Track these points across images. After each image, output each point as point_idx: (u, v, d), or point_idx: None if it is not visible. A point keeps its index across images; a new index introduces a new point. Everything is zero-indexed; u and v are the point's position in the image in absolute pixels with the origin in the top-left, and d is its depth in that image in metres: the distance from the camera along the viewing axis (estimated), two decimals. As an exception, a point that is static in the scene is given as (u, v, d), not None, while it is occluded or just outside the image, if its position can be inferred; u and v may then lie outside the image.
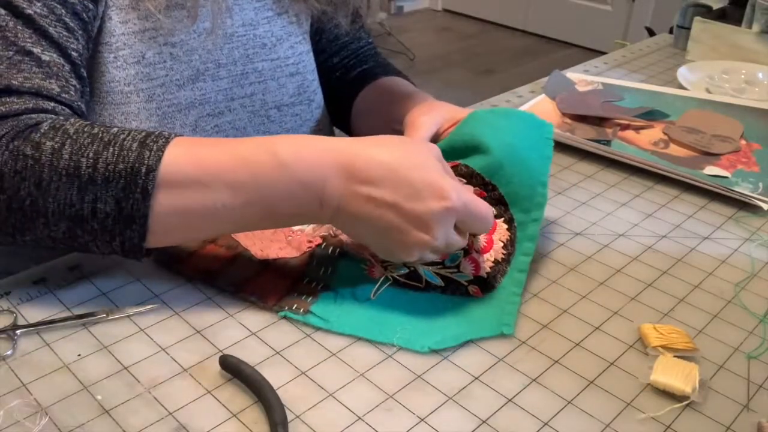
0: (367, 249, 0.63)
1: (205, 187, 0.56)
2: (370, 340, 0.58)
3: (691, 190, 0.84)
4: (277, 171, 0.56)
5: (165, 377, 0.53)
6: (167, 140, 0.56)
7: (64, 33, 0.62)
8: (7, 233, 0.56)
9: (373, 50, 0.98)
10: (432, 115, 0.76)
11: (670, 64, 1.25)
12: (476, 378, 0.55)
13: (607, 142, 0.91)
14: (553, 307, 0.63)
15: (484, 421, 0.51)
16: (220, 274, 0.63)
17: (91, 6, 0.65)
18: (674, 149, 0.91)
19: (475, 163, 0.68)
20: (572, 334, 0.60)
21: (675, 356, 0.57)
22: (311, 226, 0.68)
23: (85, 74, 0.65)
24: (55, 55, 0.62)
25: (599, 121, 0.97)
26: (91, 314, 0.59)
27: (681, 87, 1.12)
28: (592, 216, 0.78)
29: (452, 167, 0.68)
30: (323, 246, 0.66)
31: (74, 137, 0.56)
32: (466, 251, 0.63)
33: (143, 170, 0.54)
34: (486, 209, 0.59)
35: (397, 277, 0.63)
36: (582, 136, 0.92)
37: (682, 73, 1.16)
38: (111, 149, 0.55)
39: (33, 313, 0.59)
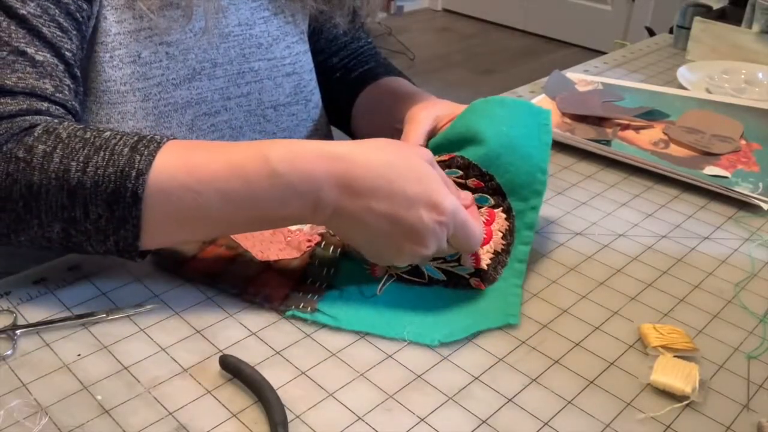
0: None
1: (196, 194, 0.56)
2: (380, 335, 0.58)
3: (691, 190, 0.84)
4: (269, 179, 0.56)
5: (165, 377, 0.53)
6: (159, 145, 0.56)
7: (58, 33, 0.62)
8: (2, 234, 0.57)
9: (373, 50, 0.98)
10: (431, 110, 0.76)
11: (670, 64, 1.25)
12: (476, 378, 0.55)
13: (607, 142, 0.91)
14: (553, 307, 0.63)
15: (484, 421, 0.51)
16: (223, 276, 0.63)
17: (85, 6, 0.65)
18: (674, 149, 0.91)
19: (471, 154, 0.68)
20: (572, 334, 0.60)
21: (675, 356, 0.57)
22: (309, 225, 0.68)
23: (78, 74, 0.65)
24: (48, 55, 0.62)
25: (599, 121, 0.97)
26: (91, 314, 0.59)
27: (681, 87, 1.12)
28: (592, 216, 0.78)
29: (449, 159, 0.68)
30: (323, 245, 0.66)
31: (66, 141, 0.56)
32: None
33: (133, 174, 0.54)
34: (477, 232, 0.60)
35: (400, 274, 0.63)
36: (582, 136, 0.92)
37: (682, 73, 1.16)
38: (102, 153, 0.55)
39: (33, 313, 0.59)
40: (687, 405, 0.53)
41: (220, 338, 0.58)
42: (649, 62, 1.27)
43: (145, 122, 0.71)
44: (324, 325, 0.59)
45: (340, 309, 0.60)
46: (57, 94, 0.61)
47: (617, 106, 1.02)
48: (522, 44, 4.07)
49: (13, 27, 0.60)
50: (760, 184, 0.83)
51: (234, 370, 0.53)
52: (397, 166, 0.57)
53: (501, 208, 0.68)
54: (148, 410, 0.51)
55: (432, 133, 0.74)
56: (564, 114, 0.99)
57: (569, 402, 0.53)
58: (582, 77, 1.12)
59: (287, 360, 0.56)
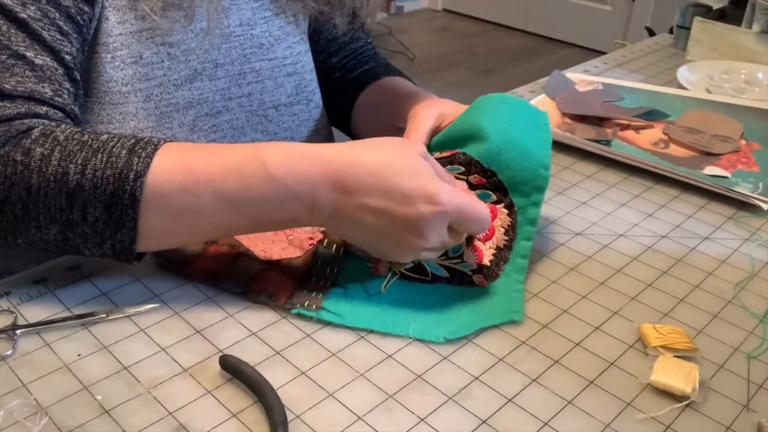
0: None
1: (194, 196, 0.56)
2: (385, 332, 0.59)
3: (691, 190, 0.84)
4: (266, 183, 0.56)
5: (165, 377, 0.53)
6: (156, 147, 0.57)
7: (58, 36, 0.63)
8: (0, 236, 0.57)
9: (373, 50, 0.98)
10: (434, 108, 0.76)
11: (670, 64, 1.25)
12: (476, 378, 0.55)
13: (607, 142, 0.91)
14: (553, 307, 0.63)
15: (484, 421, 0.51)
16: (226, 276, 0.63)
17: (86, 9, 0.65)
18: (674, 149, 0.91)
19: (473, 150, 0.68)
20: (572, 334, 0.60)
21: (675, 356, 0.57)
22: None
23: (78, 77, 0.65)
24: (48, 59, 0.62)
25: (599, 121, 0.97)
26: (91, 314, 0.59)
27: (681, 87, 1.12)
28: (592, 216, 0.78)
29: (450, 156, 0.68)
30: (325, 244, 0.66)
31: (64, 144, 0.56)
32: (469, 240, 0.64)
33: (131, 176, 0.55)
34: (482, 210, 0.60)
35: (404, 272, 0.63)
36: (582, 136, 0.92)
37: (682, 73, 1.15)
38: (100, 156, 0.55)
39: (33, 313, 0.59)
40: (687, 405, 0.53)
41: (220, 338, 0.58)
42: (649, 62, 1.27)
43: (147, 123, 0.71)
44: (324, 325, 0.59)
45: (344, 307, 0.60)
46: (56, 98, 0.61)
47: (617, 106, 1.02)
48: (522, 44, 4.07)
49: (12, 31, 0.60)
50: (760, 184, 0.83)
51: (234, 370, 0.53)
52: (391, 163, 0.57)
53: (503, 204, 0.68)
54: (148, 410, 0.51)
55: (435, 131, 0.75)
56: (564, 114, 0.99)
57: (569, 402, 0.53)
58: (582, 77, 1.12)
59: (287, 360, 0.56)
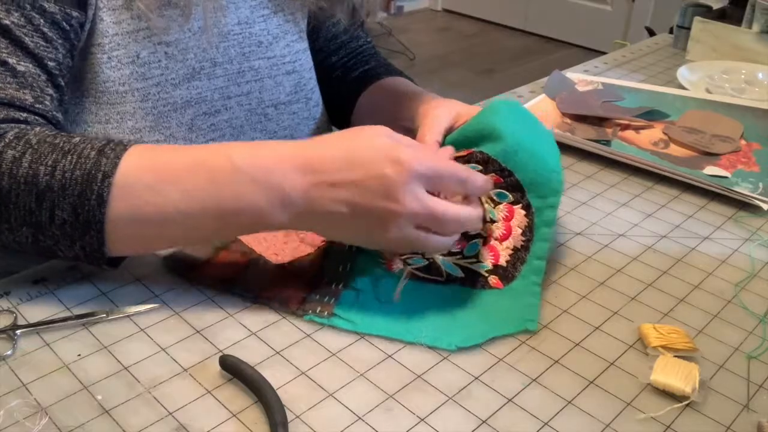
0: None
1: (161, 194, 0.56)
2: (399, 339, 0.58)
3: (691, 190, 0.84)
4: (232, 176, 0.56)
5: (165, 377, 0.53)
6: (125, 148, 0.57)
7: (42, 43, 0.63)
8: None
9: (373, 50, 0.98)
10: (448, 108, 0.75)
11: (670, 64, 1.25)
12: (476, 378, 0.55)
13: (607, 142, 0.91)
14: (553, 307, 0.63)
15: (484, 421, 0.51)
16: (237, 282, 0.63)
17: (74, 14, 0.65)
18: (674, 149, 0.91)
19: (489, 149, 0.67)
20: (572, 334, 0.60)
21: (675, 356, 0.57)
22: None
23: (63, 83, 0.66)
24: (30, 66, 0.62)
25: (599, 121, 0.97)
26: (91, 314, 0.59)
27: (681, 87, 1.12)
28: (592, 216, 0.78)
29: (467, 154, 0.68)
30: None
31: (36, 147, 0.56)
32: (485, 239, 0.63)
33: (99, 176, 0.55)
34: (457, 168, 0.59)
35: (416, 272, 0.63)
36: (582, 136, 0.92)
37: (682, 73, 1.15)
38: (69, 157, 0.56)
39: (33, 313, 0.59)
40: (687, 405, 0.53)
41: (220, 338, 0.58)
42: (649, 62, 1.27)
43: (144, 122, 0.71)
44: (324, 325, 0.59)
45: (356, 313, 0.60)
46: (36, 105, 0.62)
47: (617, 106, 1.02)
48: (522, 44, 4.07)
49: None
50: (760, 184, 0.83)
51: (234, 370, 0.53)
52: (353, 141, 0.58)
53: (520, 204, 0.67)
54: (148, 410, 0.51)
55: (449, 131, 0.74)
56: (564, 114, 0.99)
57: (569, 402, 0.53)
58: (582, 77, 1.12)
59: (287, 360, 0.56)
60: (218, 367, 0.54)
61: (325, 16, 0.88)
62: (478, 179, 0.60)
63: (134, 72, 0.70)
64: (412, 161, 0.56)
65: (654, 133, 0.95)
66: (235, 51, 0.78)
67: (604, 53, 1.37)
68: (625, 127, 0.96)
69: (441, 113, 0.74)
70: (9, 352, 0.55)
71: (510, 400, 0.53)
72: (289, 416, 0.50)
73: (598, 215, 0.78)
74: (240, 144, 0.59)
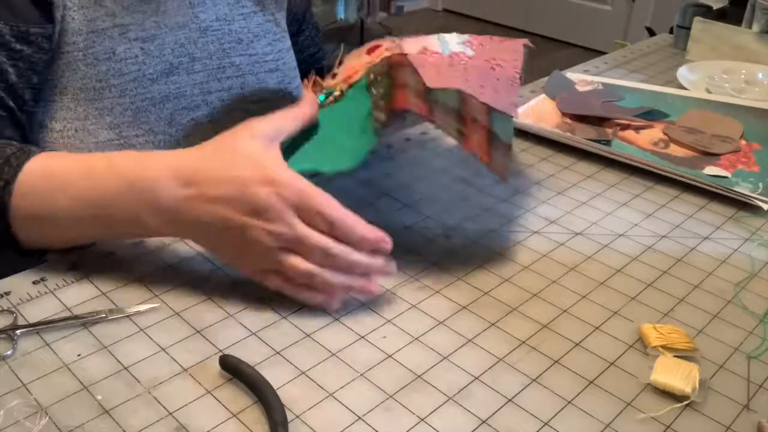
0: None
1: (52, 199, 0.60)
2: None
3: (691, 190, 0.84)
4: (111, 180, 0.59)
5: (165, 377, 0.53)
6: (29, 156, 0.61)
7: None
8: None
9: (317, 38, 1.01)
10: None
11: (670, 64, 1.25)
12: (476, 378, 0.55)
13: (607, 142, 0.91)
14: (553, 307, 0.63)
15: (484, 421, 0.51)
16: None
17: (34, 30, 0.67)
18: (674, 149, 0.91)
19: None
20: (572, 334, 0.60)
21: (675, 356, 0.57)
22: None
23: (12, 104, 0.69)
24: None
25: (599, 121, 0.97)
26: (91, 314, 0.59)
27: (681, 87, 1.12)
28: (592, 216, 0.78)
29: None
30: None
31: None
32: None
33: (1, 184, 0.60)
34: (326, 198, 0.58)
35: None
36: (582, 136, 0.92)
37: (682, 73, 1.15)
38: None
39: (33, 313, 0.59)
40: (687, 405, 0.53)
41: (220, 338, 0.58)
42: (649, 62, 1.27)
43: (123, 118, 0.72)
44: (324, 325, 0.59)
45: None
46: None
47: (617, 106, 1.02)
48: (522, 44, 4.06)
49: None
50: (760, 184, 0.83)
51: (234, 370, 0.53)
52: (234, 152, 0.59)
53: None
54: (148, 410, 0.51)
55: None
56: (564, 114, 0.99)
57: (569, 402, 0.53)
58: (582, 77, 1.12)
59: (287, 360, 0.56)
60: (218, 367, 0.54)
61: (296, 22, 0.92)
62: (348, 222, 0.59)
63: (110, 68, 0.71)
64: (286, 185, 0.57)
65: (654, 133, 0.95)
66: (214, 47, 0.79)
67: (604, 53, 1.37)
68: (625, 127, 0.96)
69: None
70: (9, 352, 0.55)
71: (510, 400, 0.53)
72: (289, 416, 0.50)
73: (598, 215, 0.78)
74: (128, 153, 0.63)
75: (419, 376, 0.55)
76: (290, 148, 0.64)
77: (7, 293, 0.61)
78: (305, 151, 0.65)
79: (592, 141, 0.91)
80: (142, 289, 0.62)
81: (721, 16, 1.32)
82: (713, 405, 0.54)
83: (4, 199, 0.60)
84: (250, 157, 0.58)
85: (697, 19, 1.27)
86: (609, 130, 0.95)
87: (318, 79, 0.73)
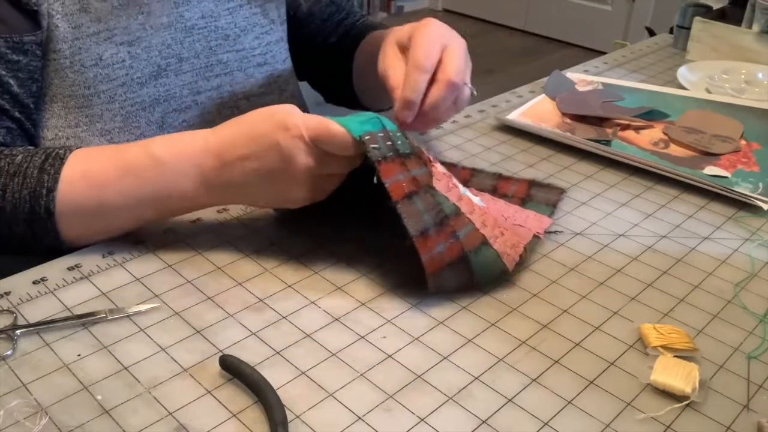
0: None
1: (100, 199, 0.63)
2: None
3: (691, 190, 0.84)
4: (156, 169, 0.63)
5: (165, 377, 0.53)
6: (63, 161, 0.63)
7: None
8: None
9: (369, 22, 0.98)
10: (390, 53, 0.74)
11: (670, 64, 1.25)
12: (476, 378, 0.55)
13: (607, 142, 0.91)
14: (553, 307, 0.63)
15: (484, 421, 0.51)
16: None
17: (28, 38, 0.68)
18: (674, 149, 0.91)
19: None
20: (572, 334, 0.60)
21: (675, 356, 0.57)
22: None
23: (19, 115, 0.70)
24: None
25: (599, 121, 0.97)
26: (91, 314, 0.59)
27: (681, 87, 1.12)
28: (592, 216, 0.78)
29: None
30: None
31: None
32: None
33: (44, 192, 0.62)
34: (336, 129, 0.61)
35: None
36: (582, 136, 0.92)
37: (682, 73, 1.15)
38: (16, 179, 0.63)
39: (33, 313, 0.59)
40: (687, 405, 0.53)
41: (220, 338, 0.58)
42: (649, 62, 1.27)
43: (113, 123, 0.72)
44: (324, 325, 0.59)
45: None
46: None
47: (617, 106, 1.02)
48: (522, 44, 4.07)
49: None
50: (760, 184, 0.83)
51: (234, 370, 0.53)
52: (255, 116, 0.64)
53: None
54: (148, 410, 0.51)
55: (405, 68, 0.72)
56: (564, 114, 0.99)
57: (569, 402, 0.53)
58: (582, 77, 1.12)
59: (287, 360, 0.56)
60: (218, 367, 0.54)
61: (296, 2, 0.90)
62: (346, 143, 0.62)
63: (98, 74, 0.71)
64: (298, 126, 0.61)
65: (654, 133, 0.95)
66: (201, 45, 0.79)
67: (604, 53, 1.37)
68: (625, 127, 0.96)
69: (389, 63, 0.73)
70: (9, 352, 0.55)
71: (510, 400, 0.53)
72: (289, 416, 0.50)
73: (598, 215, 0.78)
74: (159, 138, 0.66)
75: (419, 376, 0.55)
76: None
77: (7, 293, 0.61)
78: None
79: (592, 141, 0.91)
80: (142, 289, 0.62)
81: (721, 16, 1.32)
82: (713, 405, 0.54)
83: (50, 207, 0.62)
84: (270, 114, 0.63)
85: (697, 19, 1.27)
86: (609, 130, 0.95)
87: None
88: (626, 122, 0.97)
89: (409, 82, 0.69)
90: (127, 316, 0.59)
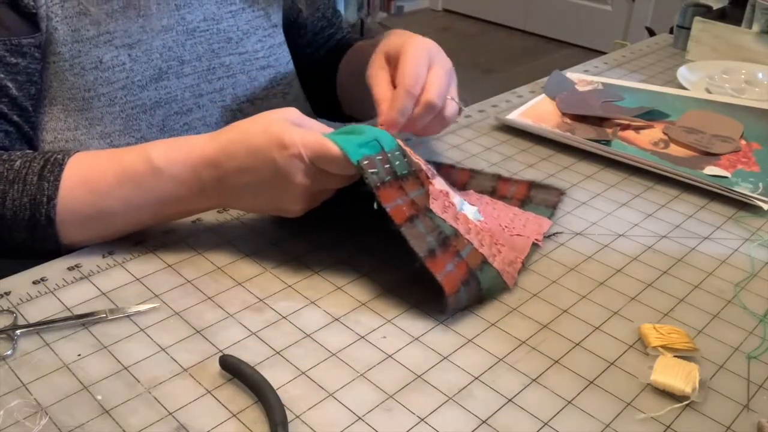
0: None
1: (99, 206, 0.64)
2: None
3: (691, 190, 0.84)
4: (155, 177, 0.63)
5: (165, 377, 0.53)
6: (62, 167, 0.64)
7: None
8: None
9: (357, 37, 0.99)
10: (377, 62, 0.74)
11: (670, 64, 1.25)
12: (476, 378, 0.55)
13: (607, 142, 0.91)
14: (553, 307, 0.63)
15: (484, 421, 0.51)
16: None
17: (26, 41, 0.68)
18: (674, 149, 0.91)
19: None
20: (572, 334, 0.60)
21: (675, 356, 0.57)
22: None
23: (18, 119, 0.70)
24: None
25: (599, 121, 0.97)
26: (91, 314, 0.59)
27: (681, 87, 1.12)
28: (592, 216, 0.78)
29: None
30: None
31: None
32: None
33: (44, 200, 0.63)
34: (330, 147, 0.61)
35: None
36: (582, 136, 0.92)
37: (682, 73, 1.15)
38: (16, 186, 0.63)
39: (33, 313, 0.59)
40: (687, 405, 0.53)
41: (220, 338, 0.58)
42: (649, 62, 1.27)
43: (113, 126, 0.72)
44: (324, 325, 0.59)
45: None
46: None
47: (617, 106, 1.02)
48: (522, 44, 4.07)
49: None
50: (760, 184, 0.83)
51: (234, 370, 0.53)
52: (253, 125, 0.63)
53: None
54: (148, 410, 0.51)
55: (394, 79, 0.72)
56: (564, 114, 0.99)
57: (569, 402, 0.53)
58: (582, 77, 1.12)
59: (287, 360, 0.56)
60: (218, 367, 0.54)
61: (296, 8, 0.90)
62: (341, 160, 0.61)
63: (98, 77, 0.71)
64: (296, 144, 0.61)
65: (654, 133, 0.95)
66: (203, 48, 0.78)
67: (604, 53, 1.37)
68: (625, 127, 0.96)
69: (376, 74, 0.73)
70: (9, 352, 0.55)
71: (510, 400, 0.53)
72: (289, 416, 0.50)
73: (598, 215, 0.78)
74: (157, 143, 0.65)
75: (419, 376, 0.55)
76: None
77: (7, 293, 0.61)
78: None
79: (592, 141, 0.91)
80: (142, 289, 0.63)
81: (721, 16, 1.32)
82: (713, 405, 0.54)
83: (51, 215, 0.63)
84: (267, 125, 0.62)
85: (697, 19, 1.27)
86: (609, 130, 0.95)
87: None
88: (626, 122, 0.97)
89: (397, 105, 0.70)
90: (127, 316, 0.59)
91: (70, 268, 0.64)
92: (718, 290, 0.67)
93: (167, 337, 0.57)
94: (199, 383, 0.53)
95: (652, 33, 2.23)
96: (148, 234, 0.69)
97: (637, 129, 0.96)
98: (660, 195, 0.83)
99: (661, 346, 0.58)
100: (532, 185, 0.81)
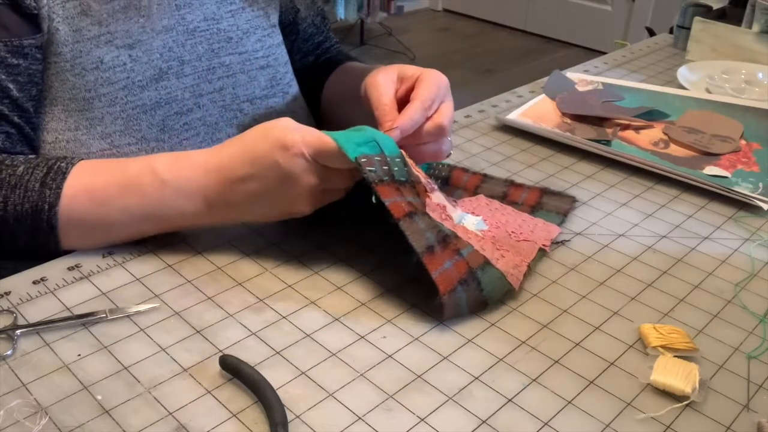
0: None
1: (102, 214, 0.64)
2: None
3: (691, 190, 0.84)
4: (160, 189, 0.64)
5: (165, 377, 0.53)
6: (65, 175, 0.64)
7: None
8: None
9: (342, 51, 1.01)
10: (389, 73, 0.74)
11: (670, 64, 1.25)
12: (476, 378, 0.55)
13: (607, 142, 0.91)
14: (553, 307, 0.63)
15: (484, 421, 0.51)
16: None
17: (28, 41, 0.68)
18: (674, 149, 0.91)
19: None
20: (572, 334, 0.60)
21: (675, 356, 0.57)
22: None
23: (18, 120, 0.70)
24: None
25: (599, 121, 0.97)
26: (91, 314, 0.59)
27: (681, 87, 1.12)
28: (592, 216, 0.78)
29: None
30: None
31: None
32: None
33: (46, 208, 0.63)
34: (327, 141, 0.61)
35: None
36: (582, 136, 0.92)
37: (682, 73, 1.15)
38: (17, 191, 0.63)
39: (33, 313, 0.59)
40: (687, 405, 0.53)
41: (220, 338, 0.58)
42: (649, 62, 1.27)
43: (114, 126, 0.72)
44: (324, 325, 0.59)
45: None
46: None
47: (617, 106, 1.02)
48: (522, 44, 4.07)
49: None
50: (760, 184, 0.83)
51: (234, 370, 0.53)
52: (252, 134, 0.64)
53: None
54: (148, 410, 0.51)
55: (398, 95, 0.73)
56: (564, 114, 0.99)
57: (569, 402, 0.53)
58: (582, 77, 1.12)
59: (287, 360, 0.56)
60: (218, 367, 0.54)
61: (292, 9, 0.90)
62: (337, 154, 0.62)
63: (99, 77, 0.71)
64: (297, 143, 0.61)
65: (654, 133, 0.95)
66: (203, 48, 0.78)
67: (604, 53, 1.37)
68: (625, 127, 0.96)
69: (382, 80, 0.73)
70: (9, 352, 0.55)
71: (510, 400, 0.53)
72: (289, 416, 0.50)
73: (598, 215, 0.78)
74: (161, 156, 0.67)
75: (419, 376, 0.55)
76: None
77: (7, 293, 0.61)
78: None
79: (592, 141, 0.91)
80: (142, 289, 0.63)
81: (721, 16, 1.32)
82: (713, 405, 0.54)
83: (53, 222, 0.63)
84: (266, 132, 0.63)
85: (697, 19, 1.27)
86: (609, 130, 0.95)
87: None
88: (626, 122, 0.97)
89: (410, 113, 0.70)
90: (127, 316, 0.59)
91: (70, 268, 0.64)
92: (718, 290, 0.67)
93: (167, 337, 0.57)
94: (199, 383, 0.53)
95: (652, 33, 2.23)
96: (148, 234, 0.69)
97: (637, 129, 0.96)
98: (660, 195, 0.83)
99: (661, 346, 0.58)
100: (544, 192, 0.80)
